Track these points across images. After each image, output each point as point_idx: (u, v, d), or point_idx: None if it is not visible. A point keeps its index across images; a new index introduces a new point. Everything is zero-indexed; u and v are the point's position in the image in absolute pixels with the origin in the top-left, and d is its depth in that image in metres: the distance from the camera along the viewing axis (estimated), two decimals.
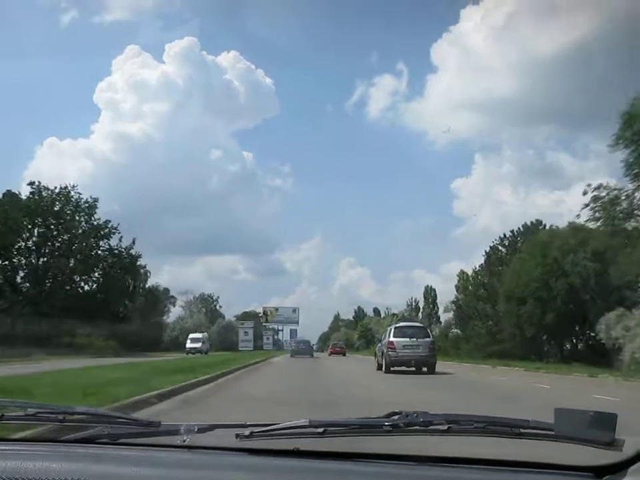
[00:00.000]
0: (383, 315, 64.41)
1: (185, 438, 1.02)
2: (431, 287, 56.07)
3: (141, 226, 68.01)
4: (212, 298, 72.12)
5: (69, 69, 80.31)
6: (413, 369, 14.76)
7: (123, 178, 65.77)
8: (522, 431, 0.96)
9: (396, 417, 0.99)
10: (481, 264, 37.72)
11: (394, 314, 56.90)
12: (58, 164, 61.32)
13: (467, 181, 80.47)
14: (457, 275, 41.88)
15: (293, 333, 67.24)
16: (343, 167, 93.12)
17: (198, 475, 0.88)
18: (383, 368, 15.25)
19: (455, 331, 41.04)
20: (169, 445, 1.02)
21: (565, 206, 63.62)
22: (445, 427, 0.96)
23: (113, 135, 71.13)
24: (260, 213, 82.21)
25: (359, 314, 76.63)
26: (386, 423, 0.98)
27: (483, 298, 35.55)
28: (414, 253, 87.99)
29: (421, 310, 56.05)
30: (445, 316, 43.63)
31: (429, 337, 15.67)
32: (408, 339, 15.06)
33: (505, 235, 37.10)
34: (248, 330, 46.99)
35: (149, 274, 45.62)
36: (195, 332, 44.52)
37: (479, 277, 37.67)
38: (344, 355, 38.57)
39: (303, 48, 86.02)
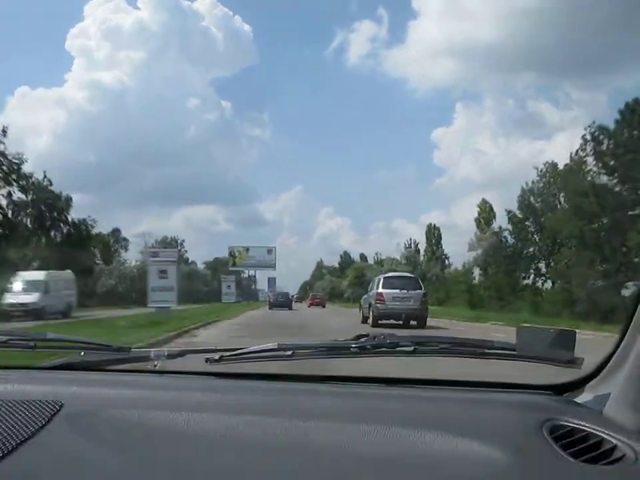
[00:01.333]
0: (377, 259, 60.81)
1: (155, 363, 1.14)
2: (434, 225, 51.45)
3: (117, 176, 76.35)
4: (176, 241, 68.98)
5: (39, 13, 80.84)
6: (401, 322, 15.10)
7: (98, 127, 67.86)
8: (486, 351, 1.10)
9: (363, 339, 1.11)
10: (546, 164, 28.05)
11: (393, 258, 53.75)
12: (30, 114, 64.19)
13: (448, 131, 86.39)
14: (478, 207, 37.48)
15: (272, 282, 64.75)
16: (322, 115, 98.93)
17: (168, 396, 0.99)
18: (370, 321, 15.52)
19: (477, 273, 34.70)
20: (139, 370, 1.15)
21: (546, 155, 70.20)
22: (412, 348, 1.09)
23: (86, 83, 76.56)
24: (239, 162, 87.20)
25: (345, 260, 75.76)
26: (353, 345, 1.10)
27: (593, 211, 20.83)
28: (394, 203, 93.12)
29: (422, 253, 52.11)
30: (469, 255, 36.78)
31: (421, 289, 16.00)
32: (398, 291, 15.32)
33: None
34: (165, 268, 17.73)
35: (70, 201, 35.06)
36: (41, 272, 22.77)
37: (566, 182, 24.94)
38: (323, 306, 40.35)
39: None
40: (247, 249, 59.34)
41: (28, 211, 31.35)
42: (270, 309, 32.28)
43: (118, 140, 70.46)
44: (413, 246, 54.25)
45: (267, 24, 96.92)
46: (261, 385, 1.07)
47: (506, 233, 31.26)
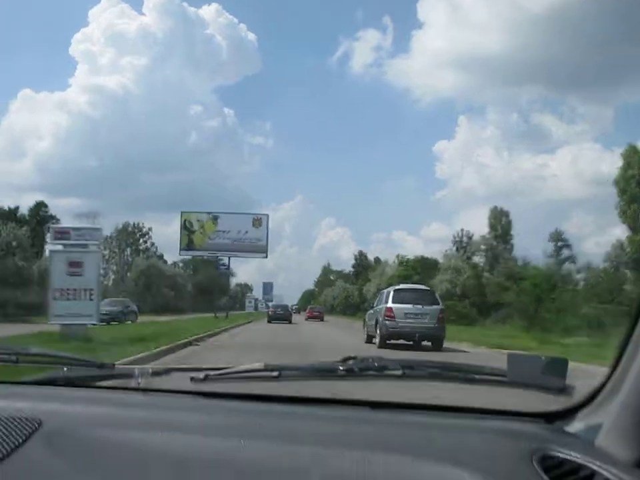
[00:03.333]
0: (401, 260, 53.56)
1: (139, 380, 1.33)
2: (501, 209, 45.22)
3: (118, 181, 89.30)
4: (139, 229, 64.97)
5: (44, 17, 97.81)
6: (411, 342, 15.39)
7: (99, 132, 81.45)
8: (475, 377, 1.30)
9: (351, 362, 1.29)
10: None
11: (455, 252, 45.54)
12: (32, 117, 79.48)
13: (450, 144, 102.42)
14: (622, 156, 29.46)
15: (268, 288, 66.64)
16: (325, 125, 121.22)
17: (151, 416, 1.16)
18: (377, 341, 15.90)
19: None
20: (123, 387, 1.35)
21: (549, 169, 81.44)
22: (400, 372, 1.27)
23: (89, 87, 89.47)
24: (240, 170, 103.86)
25: (361, 262, 74.46)
26: (341, 367, 1.28)
27: None
28: (395, 214, 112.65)
29: (481, 244, 44.86)
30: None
31: (438, 304, 16.24)
32: (411, 306, 15.65)
33: None
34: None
35: None
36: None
37: None
38: (322, 319, 46.29)
39: (286, 3, 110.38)
40: (216, 218, 38.23)
41: None
42: (269, 322, 36.00)
43: (120, 145, 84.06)
44: (464, 239, 45.84)
45: (271, 32, 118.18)
46: (246, 405, 1.25)
47: None
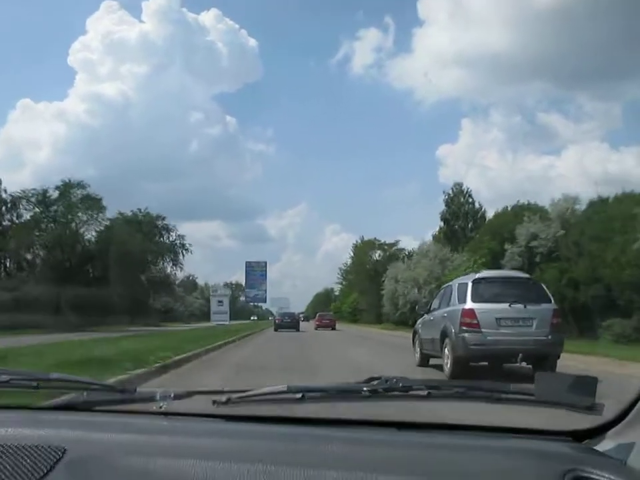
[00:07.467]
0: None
1: (161, 404, 1.59)
2: None
3: (117, 190, 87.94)
4: None
5: (43, 27, 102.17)
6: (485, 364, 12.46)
7: (99, 141, 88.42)
8: (502, 396, 1.52)
9: (375, 382, 1.54)
10: None
11: None
12: (31, 127, 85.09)
13: (454, 147, 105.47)
14: None
15: (254, 271, 67.79)
16: (327, 130, 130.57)
17: (174, 441, 1.37)
18: (448, 364, 12.58)
19: None
20: (144, 412, 1.60)
21: (556, 170, 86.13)
22: (425, 392, 1.49)
23: (88, 96, 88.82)
24: (242, 178, 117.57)
25: (460, 206, 54.97)
26: (365, 388, 1.52)
27: None
28: (400, 219, 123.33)
29: None
30: None
31: (549, 301, 12.68)
32: (506, 306, 12.08)
33: None
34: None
35: None
36: None
37: None
38: (333, 328, 53.56)
39: (287, 5, 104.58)
40: None
41: None
42: (276, 330, 45.87)
43: (119, 154, 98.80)
44: None
45: (272, 36, 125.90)
46: (270, 428, 1.57)
47: None
